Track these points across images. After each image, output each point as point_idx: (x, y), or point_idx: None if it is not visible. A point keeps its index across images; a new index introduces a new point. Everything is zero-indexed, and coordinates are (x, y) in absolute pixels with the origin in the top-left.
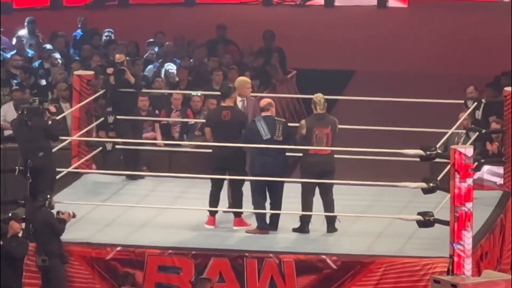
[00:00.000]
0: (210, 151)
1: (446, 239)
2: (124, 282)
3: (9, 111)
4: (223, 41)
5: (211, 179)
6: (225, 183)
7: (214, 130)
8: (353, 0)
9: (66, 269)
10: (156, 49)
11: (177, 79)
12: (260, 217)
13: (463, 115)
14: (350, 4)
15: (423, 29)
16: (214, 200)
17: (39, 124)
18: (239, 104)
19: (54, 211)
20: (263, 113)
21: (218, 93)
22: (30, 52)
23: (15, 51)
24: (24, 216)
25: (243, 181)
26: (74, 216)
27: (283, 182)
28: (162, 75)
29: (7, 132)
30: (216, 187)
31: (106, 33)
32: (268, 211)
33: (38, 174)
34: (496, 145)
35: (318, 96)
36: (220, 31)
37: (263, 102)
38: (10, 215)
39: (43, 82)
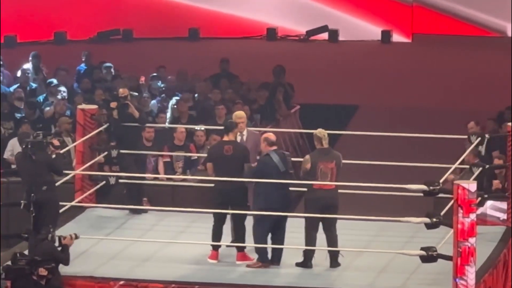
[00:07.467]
0: (213, 185)
1: (449, 274)
2: None
3: (17, 146)
4: (226, 75)
5: (214, 213)
6: (228, 218)
7: (216, 165)
8: (357, 35)
9: None
10: (159, 83)
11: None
12: (262, 251)
13: (466, 153)
14: (354, 39)
15: (427, 64)
16: (216, 235)
17: (43, 158)
18: (238, 139)
19: (55, 237)
20: (272, 148)
21: (221, 127)
22: (34, 85)
23: (17, 84)
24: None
25: (246, 215)
26: (77, 237)
27: (287, 216)
28: (169, 109)
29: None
30: (219, 222)
31: (105, 68)
32: (272, 245)
33: (41, 208)
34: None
35: (322, 132)
36: (224, 65)
37: (271, 137)
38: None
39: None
